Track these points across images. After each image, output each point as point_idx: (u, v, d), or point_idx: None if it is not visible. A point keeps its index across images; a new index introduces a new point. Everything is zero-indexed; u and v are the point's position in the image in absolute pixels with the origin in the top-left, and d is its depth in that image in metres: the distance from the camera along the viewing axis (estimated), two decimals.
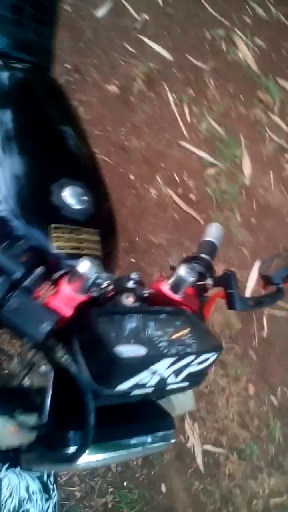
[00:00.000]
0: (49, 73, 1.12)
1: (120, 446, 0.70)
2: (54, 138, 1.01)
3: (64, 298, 0.65)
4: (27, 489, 0.87)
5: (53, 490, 0.92)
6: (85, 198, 0.88)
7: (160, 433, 0.75)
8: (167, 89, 2.78)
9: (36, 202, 0.86)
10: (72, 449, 0.63)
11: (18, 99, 1.01)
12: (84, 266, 0.65)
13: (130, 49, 2.71)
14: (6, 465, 0.90)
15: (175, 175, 2.56)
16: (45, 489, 0.91)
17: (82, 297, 0.66)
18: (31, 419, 0.66)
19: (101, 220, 0.91)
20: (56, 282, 0.68)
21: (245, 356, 2.35)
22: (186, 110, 2.82)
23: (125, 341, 0.65)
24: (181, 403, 0.81)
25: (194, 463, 1.97)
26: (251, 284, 2.48)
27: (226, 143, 2.84)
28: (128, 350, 0.63)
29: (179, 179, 2.57)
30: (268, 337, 2.47)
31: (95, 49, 2.55)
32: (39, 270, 0.64)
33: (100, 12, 2.67)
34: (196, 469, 1.97)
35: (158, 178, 2.48)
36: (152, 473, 1.84)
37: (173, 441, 0.76)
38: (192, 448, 1.98)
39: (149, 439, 0.73)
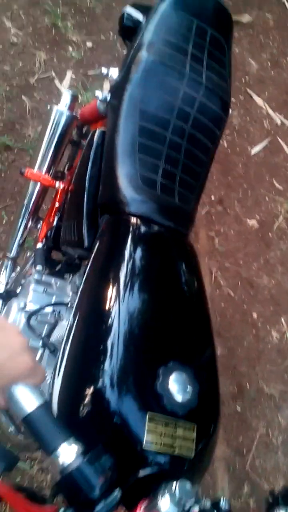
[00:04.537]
0: (185, 238, 1.12)
1: None
2: (174, 302, 0.98)
3: None
4: None
5: None
6: (190, 389, 0.82)
7: None
8: None
9: (139, 383, 0.82)
10: None
11: (147, 247, 1.01)
12: (165, 504, 0.58)
13: (278, 186, 2.73)
14: None
15: None
16: None
17: None
18: None
19: (202, 414, 0.84)
20: (132, 508, 0.61)
21: None
22: None
23: None
24: None
25: None
26: None
27: None
28: None
29: None
30: None
31: (243, 183, 2.62)
32: (115, 495, 0.59)
33: (255, 149, 2.77)
34: None
35: (283, 321, 2.34)
36: None
37: None
38: None
39: None
